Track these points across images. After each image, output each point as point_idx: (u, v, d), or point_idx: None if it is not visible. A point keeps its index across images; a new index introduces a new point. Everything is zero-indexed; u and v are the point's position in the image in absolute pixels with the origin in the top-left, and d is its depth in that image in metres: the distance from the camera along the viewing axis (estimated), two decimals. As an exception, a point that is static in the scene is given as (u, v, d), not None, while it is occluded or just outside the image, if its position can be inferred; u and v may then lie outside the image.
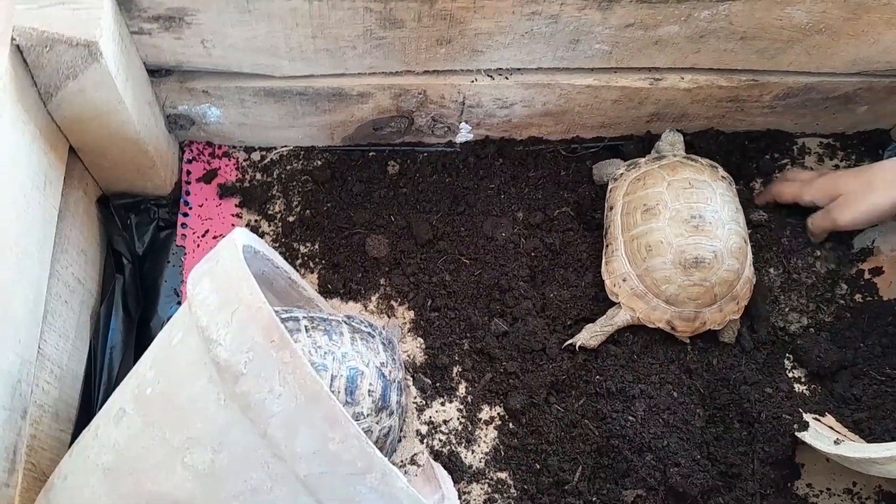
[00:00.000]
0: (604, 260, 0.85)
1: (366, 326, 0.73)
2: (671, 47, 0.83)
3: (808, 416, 0.80)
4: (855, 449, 0.73)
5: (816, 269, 0.90)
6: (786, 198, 0.90)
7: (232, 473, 0.54)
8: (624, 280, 0.82)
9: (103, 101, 0.73)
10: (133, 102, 0.76)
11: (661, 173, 0.85)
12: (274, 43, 0.77)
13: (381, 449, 0.71)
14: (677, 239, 0.80)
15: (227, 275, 0.57)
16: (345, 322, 0.71)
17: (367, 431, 0.67)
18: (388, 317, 0.86)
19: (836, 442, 0.75)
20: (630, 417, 0.80)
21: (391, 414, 0.70)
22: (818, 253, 0.90)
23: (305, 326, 0.67)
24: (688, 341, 0.83)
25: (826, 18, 0.80)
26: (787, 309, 0.88)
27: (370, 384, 0.68)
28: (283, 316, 0.68)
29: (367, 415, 0.67)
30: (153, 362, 0.61)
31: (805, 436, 0.78)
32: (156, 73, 0.82)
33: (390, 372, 0.71)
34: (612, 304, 0.84)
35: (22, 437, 0.65)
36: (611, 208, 0.87)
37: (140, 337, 0.83)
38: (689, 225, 0.80)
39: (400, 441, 0.78)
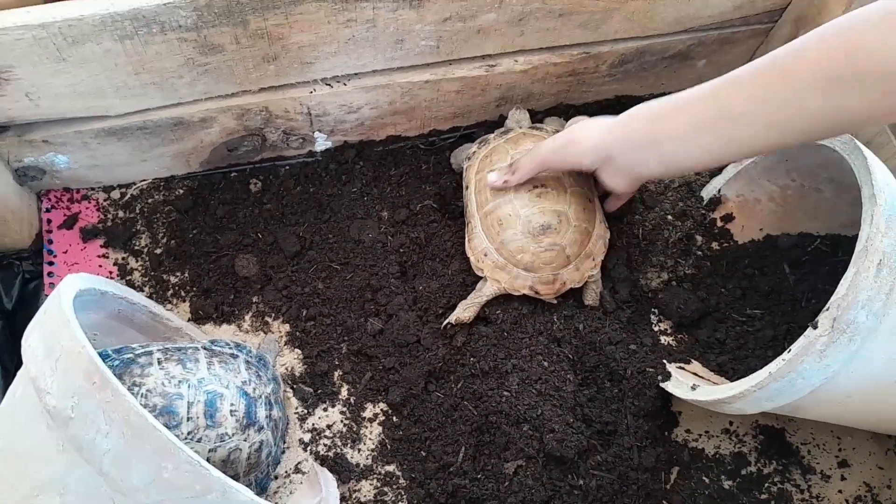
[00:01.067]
0: (466, 238, 0.88)
1: (228, 349, 0.75)
2: (495, 34, 0.85)
3: (671, 366, 0.84)
4: (707, 392, 0.76)
5: (670, 226, 0.93)
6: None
7: (80, 514, 0.55)
8: (485, 255, 0.85)
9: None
10: (-33, 163, 0.76)
11: (506, 147, 0.88)
12: (99, 85, 0.78)
13: (257, 464, 0.73)
14: (524, 210, 0.83)
15: (50, 324, 0.58)
16: (203, 348, 0.73)
17: (236, 449, 0.69)
18: (264, 333, 0.87)
19: (693, 388, 0.79)
20: (505, 392, 0.83)
21: (260, 429, 0.72)
22: (669, 217, 0.94)
23: (158, 359, 0.69)
24: (555, 302, 0.86)
25: (636, -15, 0.84)
26: (647, 267, 0.91)
27: (231, 404, 0.69)
28: (138, 351, 0.69)
29: (233, 434, 0.69)
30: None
31: (668, 385, 0.82)
32: (-9, 129, 0.82)
33: (254, 389, 0.73)
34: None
35: None
36: (466, 187, 0.89)
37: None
38: (532, 194, 0.83)
39: (284, 453, 0.80)
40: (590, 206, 0.86)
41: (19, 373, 0.64)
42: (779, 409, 0.73)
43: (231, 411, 0.70)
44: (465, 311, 0.85)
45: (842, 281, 0.65)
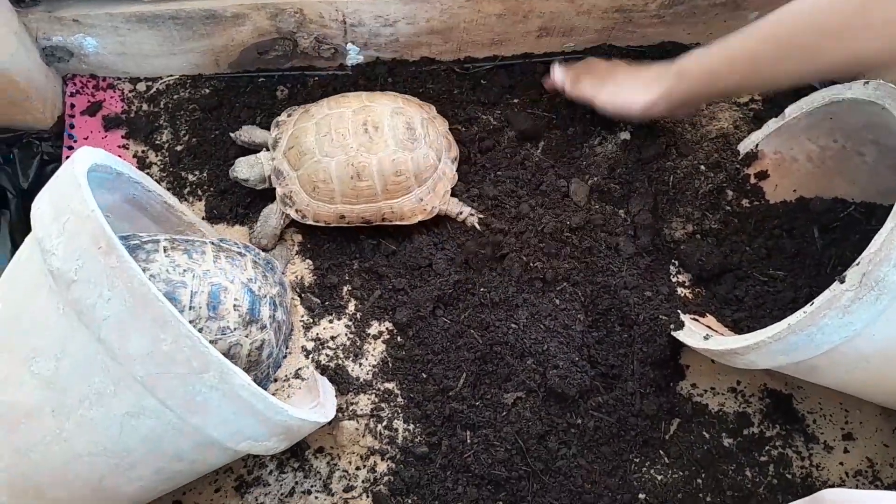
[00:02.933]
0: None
1: (237, 247, 0.74)
2: (545, -46, 0.82)
3: (685, 317, 0.82)
4: (719, 342, 0.75)
5: (702, 176, 0.91)
6: (559, 85, 0.89)
7: (76, 379, 0.55)
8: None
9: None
10: (-7, 30, 0.74)
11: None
12: (134, -37, 0.76)
13: (257, 362, 0.73)
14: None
15: (61, 188, 0.57)
16: (211, 243, 0.72)
17: (237, 344, 0.69)
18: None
19: (706, 338, 0.77)
20: (513, 325, 0.82)
21: (263, 328, 0.72)
22: (702, 168, 0.91)
23: (164, 247, 0.68)
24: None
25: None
26: (672, 216, 0.89)
27: (235, 299, 0.69)
28: (145, 238, 0.68)
29: (234, 328, 0.68)
30: (3, 281, 0.61)
31: (679, 334, 0.80)
32: (21, 2, 0.80)
33: (259, 287, 0.72)
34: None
35: None
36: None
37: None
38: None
39: (285, 357, 0.80)
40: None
41: (27, 238, 0.63)
42: (791, 366, 0.71)
43: (234, 305, 0.69)
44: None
45: (876, 237, 0.63)
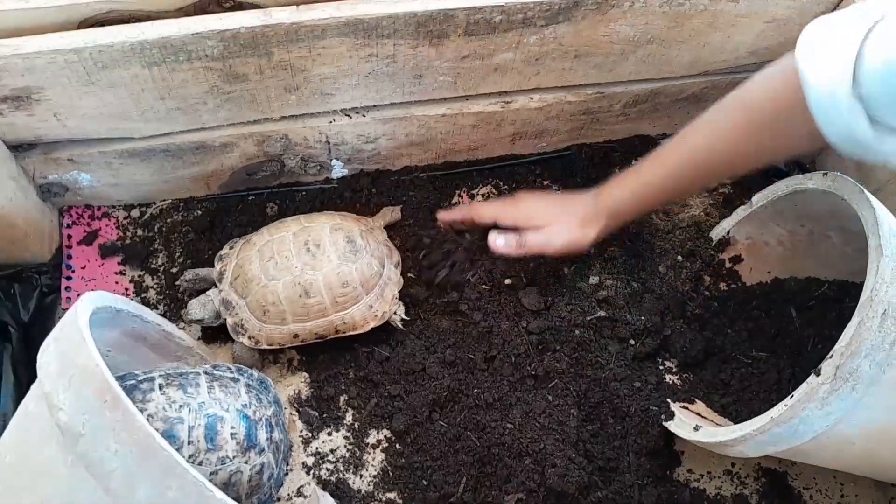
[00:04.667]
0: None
1: (230, 372, 0.76)
2: (512, 72, 0.87)
3: (675, 406, 0.85)
4: (709, 434, 0.77)
5: (679, 266, 0.94)
6: (485, 219, 0.90)
7: (84, 531, 0.56)
8: None
9: (-40, 181, 0.75)
10: (-7, 178, 0.78)
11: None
12: (125, 108, 0.80)
13: (258, 486, 0.74)
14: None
15: (66, 341, 0.60)
16: (205, 373, 0.74)
17: (237, 472, 0.70)
18: (270, 360, 0.89)
19: (696, 429, 0.79)
20: (508, 425, 0.83)
21: (262, 451, 0.73)
22: (678, 258, 0.95)
23: (160, 385, 0.70)
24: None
25: (651, 29, 0.86)
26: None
27: (232, 427, 0.70)
28: (141, 378, 0.70)
29: (234, 457, 0.70)
30: (11, 433, 0.63)
31: (671, 425, 0.83)
32: (18, 147, 0.84)
33: (254, 412, 0.74)
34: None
35: None
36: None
37: (30, 403, 0.85)
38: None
39: (286, 475, 0.81)
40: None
41: (32, 388, 0.65)
42: (781, 453, 0.74)
43: (231, 434, 0.71)
44: None
45: (845, 330, 0.66)
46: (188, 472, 0.54)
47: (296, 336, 0.85)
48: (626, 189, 0.83)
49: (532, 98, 0.92)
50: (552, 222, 0.86)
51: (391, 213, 0.96)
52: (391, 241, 0.94)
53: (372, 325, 0.87)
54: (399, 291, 0.90)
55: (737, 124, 0.73)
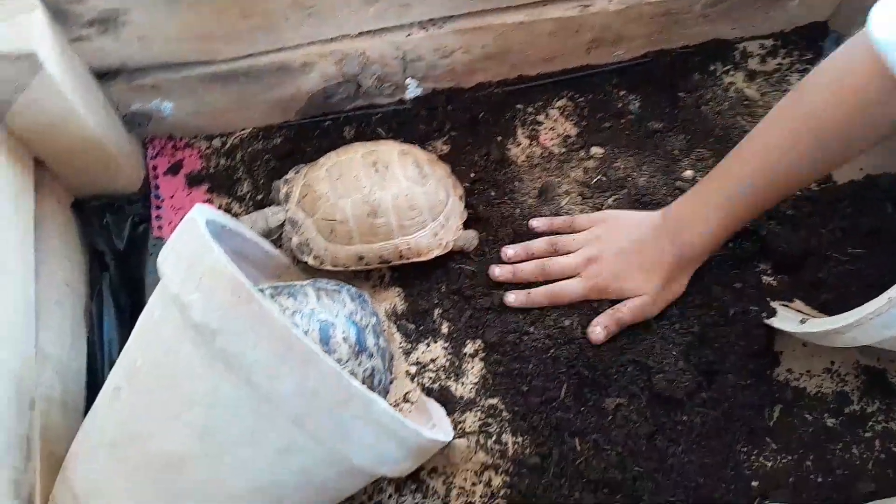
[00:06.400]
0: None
1: (331, 285, 0.77)
2: (593, -29, 0.85)
3: (775, 304, 0.84)
4: (818, 324, 0.76)
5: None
6: (566, 301, 0.84)
7: (228, 423, 0.58)
8: None
9: (55, 110, 0.76)
10: (85, 107, 0.79)
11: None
12: (208, 29, 0.80)
13: (371, 389, 0.75)
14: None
15: (189, 244, 0.61)
16: (309, 285, 0.75)
17: (351, 374, 0.71)
18: (364, 278, 0.89)
19: (802, 321, 0.78)
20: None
21: (371, 356, 0.74)
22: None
23: (270, 294, 0.71)
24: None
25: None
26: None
27: (343, 332, 0.71)
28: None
29: (347, 360, 0.71)
30: (139, 340, 0.65)
31: (774, 321, 0.82)
32: (103, 75, 0.85)
33: (361, 318, 0.75)
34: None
35: (33, 427, 0.70)
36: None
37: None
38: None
39: (392, 382, 0.82)
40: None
41: (154, 295, 0.66)
42: (892, 339, 0.72)
43: (343, 338, 0.72)
44: None
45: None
46: (325, 361, 0.55)
47: (361, 258, 0.85)
48: (705, 226, 0.78)
49: (611, 0, 0.90)
50: (640, 290, 0.81)
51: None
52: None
53: (436, 253, 0.87)
54: (464, 223, 0.90)
55: (812, 115, 0.68)
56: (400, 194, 0.83)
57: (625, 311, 0.81)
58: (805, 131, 0.68)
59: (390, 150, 0.86)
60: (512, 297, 0.85)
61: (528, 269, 0.86)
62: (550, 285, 0.85)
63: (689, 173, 0.92)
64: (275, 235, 0.87)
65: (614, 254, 0.83)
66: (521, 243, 0.88)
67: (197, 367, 0.58)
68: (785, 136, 0.70)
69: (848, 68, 0.64)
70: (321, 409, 0.56)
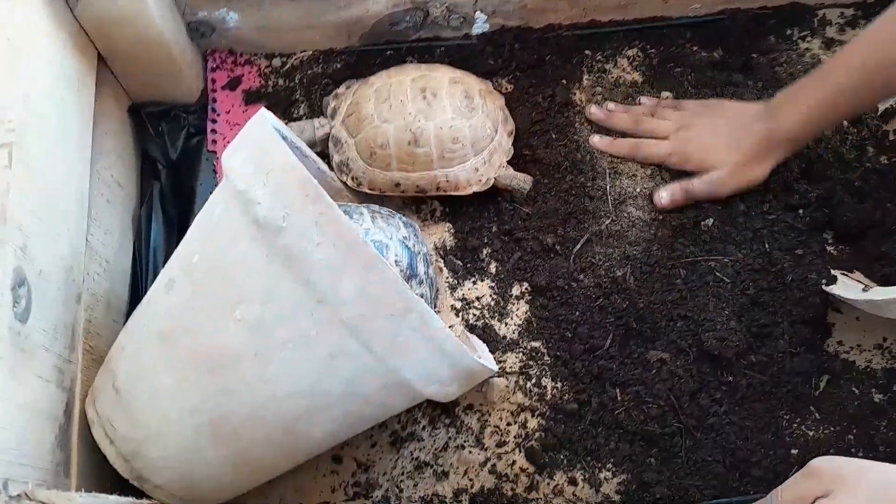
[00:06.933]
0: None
1: (385, 210, 0.76)
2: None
3: (836, 272, 0.82)
4: (883, 292, 0.74)
5: (846, 134, 0.90)
6: (650, 160, 0.86)
7: (280, 322, 0.57)
8: None
9: (126, 5, 0.75)
10: (155, 5, 0.78)
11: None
12: (284, -64, 0.78)
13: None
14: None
15: (258, 142, 0.60)
16: (364, 207, 0.74)
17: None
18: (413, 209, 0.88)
19: (865, 289, 0.76)
20: (661, 286, 0.82)
21: (420, 283, 0.73)
22: (844, 124, 0.90)
23: None
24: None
25: None
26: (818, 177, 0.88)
27: (396, 254, 0.71)
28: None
29: (400, 282, 0.70)
30: (197, 235, 0.64)
31: (834, 288, 0.80)
32: (173, -22, 0.83)
33: (413, 245, 0.74)
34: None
35: (78, 320, 0.70)
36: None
37: (181, 238, 0.87)
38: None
39: (437, 314, 0.81)
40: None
41: (216, 192, 0.66)
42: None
43: (395, 261, 0.71)
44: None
45: None
46: (389, 269, 0.54)
47: (397, 185, 0.84)
48: (804, 110, 0.77)
49: (696, -56, 0.87)
50: (723, 163, 0.81)
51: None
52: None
53: (475, 188, 0.85)
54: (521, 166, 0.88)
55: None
56: (444, 125, 0.82)
57: (697, 183, 0.82)
58: None
59: (442, 77, 0.84)
60: (597, 139, 0.87)
61: (623, 118, 0.88)
62: (637, 139, 0.86)
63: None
64: (319, 148, 0.86)
65: (708, 127, 0.84)
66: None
67: (256, 264, 0.57)
68: (889, 35, 0.70)
69: None
70: (378, 316, 0.55)
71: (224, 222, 0.61)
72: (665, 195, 0.83)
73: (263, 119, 0.62)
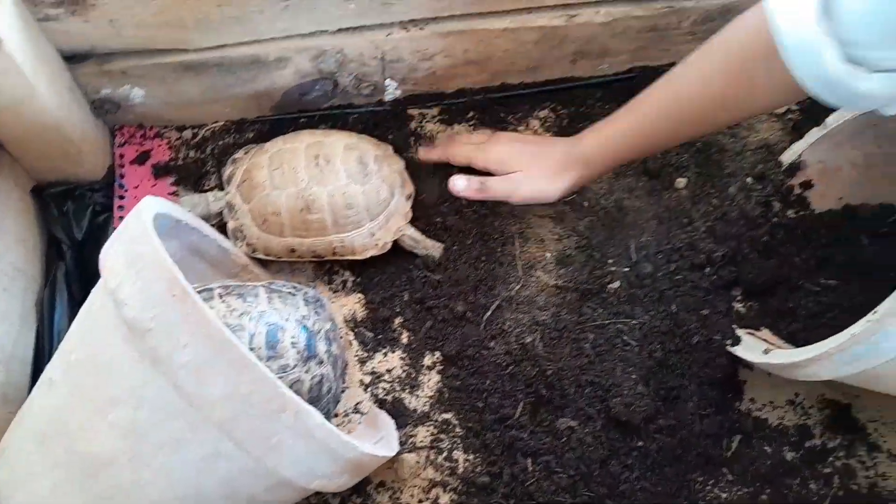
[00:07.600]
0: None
1: (286, 288, 0.75)
2: (579, -20, 0.83)
3: (741, 332, 0.82)
4: (780, 356, 0.74)
5: (750, 191, 0.91)
6: (459, 160, 0.88)
7: (153, 427, 0.56)
8: None
9: (15, 91, 0.74)
10: (48, 90, 0.77)
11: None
12: (181, 16, 0.78)
13: (318, 398, 0.73)
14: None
15: (131, 237, 0.59)
16: (262, 287, 0.73)
17: (298, 381, 0.69)
18: (325, 283, 0.88)
19: (766, 351, 0.77)
20: (568, 351, 0.82)
21: (321, 363, 0.72)
22: (749, 181, 0.91)
23: (219, 294, 0.69)
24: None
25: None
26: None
27: (292, 336, 0.69)
28: (199, 288, 0.69)
29: (294, 366, 0.69)
30: (77, 331, 0.63)
31: (737, 350, 0.80)
32: (72, 58, 0.83)
33: (314, 324, 0.73)
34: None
35: (-32, 416, 0.68)
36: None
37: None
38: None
39: (343, 391, 0.80)
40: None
41: (95, 288, 0.65)
42: (853, 377, 0.71)
43: (292, 343, 0.70)
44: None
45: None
46: (258, 367, 0.53)
47: (292, 251, 0.84)
48: (602, 136, 0.79)
49: (598, 11, 0.88)
50: (522, 169, 0.83)
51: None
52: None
53: (371, 252, 0.85)
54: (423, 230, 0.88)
55: (713, 71, 0.69)
56: (337, 192, 0.82)
57: (495, 180, 0.84)
58: (718, 66, 0.69)
59: (336, 143, 0.85)
60: (423, 152, 0.92)
61: (446, 142, 0.92)
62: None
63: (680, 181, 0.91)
64: (214, 221, 0.86)
65: (518, 141, 0.88)
66: None
67: (126, 365, 0.56)
68: (699, 68, 0.71)
69: (752, 17, 0.65)
70: (251, 417, 0.54)
71: (99, 321, 0.60)
72: (461, 182, 0.84)
73: (138, 212, 0.61)
